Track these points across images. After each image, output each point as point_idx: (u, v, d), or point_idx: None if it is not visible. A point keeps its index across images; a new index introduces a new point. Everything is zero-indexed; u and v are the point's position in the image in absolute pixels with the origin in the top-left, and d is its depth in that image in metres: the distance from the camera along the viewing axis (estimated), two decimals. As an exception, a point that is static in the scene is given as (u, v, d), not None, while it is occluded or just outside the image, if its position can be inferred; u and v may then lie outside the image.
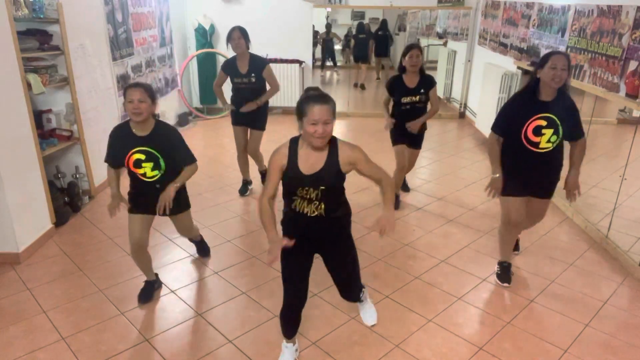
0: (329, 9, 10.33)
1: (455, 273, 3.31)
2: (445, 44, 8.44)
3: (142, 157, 2.61)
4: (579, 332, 2.72)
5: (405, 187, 4.71)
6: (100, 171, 4.62)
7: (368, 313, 2.76)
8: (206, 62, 7.39)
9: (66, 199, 4.06)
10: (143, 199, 2.76)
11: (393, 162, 4.12)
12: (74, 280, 3.18)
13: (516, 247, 3.47)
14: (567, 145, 2.92)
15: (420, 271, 3.32)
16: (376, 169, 2.16)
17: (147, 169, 2.65)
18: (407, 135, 4.05)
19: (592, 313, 2.89)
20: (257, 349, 2.56)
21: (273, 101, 4.78)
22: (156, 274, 3.09)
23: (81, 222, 4.03)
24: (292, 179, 2.11)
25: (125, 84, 5.20)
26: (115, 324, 2.75)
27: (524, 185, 2.94)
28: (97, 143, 4.54)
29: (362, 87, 10.06)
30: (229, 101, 4.33)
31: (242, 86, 4.18)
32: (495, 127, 2.93)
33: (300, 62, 7.42)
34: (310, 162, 2.09)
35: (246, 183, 4.62)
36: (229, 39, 4.05)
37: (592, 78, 3.90)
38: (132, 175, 2.71)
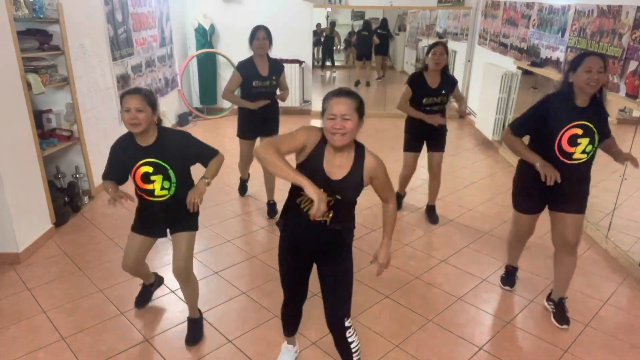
0: (329, 9, 10.33)
1: (455, 273, 3.31)
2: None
3: (150, 169, 2.32)
4: (579, 332, 2.72)
5: (434, 218, 4.10)
6: (100, 171, 4.60)
7: None
8: (206, 62, 7.39)
9: (66, 199, 4.06)
10: (151, 218, 2.48)
11: (393, 165, 4.03)
12: (74, 280, 3.18)
13: (564, 320, 2.78)
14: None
15: (420, 271, 3.32)
16: (390, 187, 2.01)
17: (157, 184, 2.34)
18: (425, 137, 3.86)
19: (592, 313, 2.89)
20: (257, 349, 2.56)
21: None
22: (155, 274, 3.00)
23: (81, 222, 4.03)
24: (312, 175, 1.80)
25: (125, 84, 5.20)
26: (115, 324, 2.75)
27: (543, 201, 2.69)
28: (97, 143, 4.54)
29: (367, 84, 10.11)
30: (239, 94, 3.95)
31: (262, 90, 3.86)
32: (518, 128, 2.61)
33: (300, 62, 7.43)
34: (335, 165, 1.89)
35: (244, 181, 4.54)
36: (253, 37, 3.75)
37: (592, 78, 3.90)
38: (140, 197, 2.44)
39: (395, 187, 2.96)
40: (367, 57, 10.07)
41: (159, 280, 3.05)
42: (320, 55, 11.33)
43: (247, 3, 7.26)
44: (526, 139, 2.66)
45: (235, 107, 4.06)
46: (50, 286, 3.11)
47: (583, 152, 2.49)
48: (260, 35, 3.75)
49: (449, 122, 7.44)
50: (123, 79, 5.18)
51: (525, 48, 5.40)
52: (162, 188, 2.36)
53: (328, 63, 11.50)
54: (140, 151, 2.33)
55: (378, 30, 9.94)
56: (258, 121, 3.92)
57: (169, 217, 2.46)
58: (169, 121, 6.70)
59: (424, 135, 3.86)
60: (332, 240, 2.00)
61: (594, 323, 2.80)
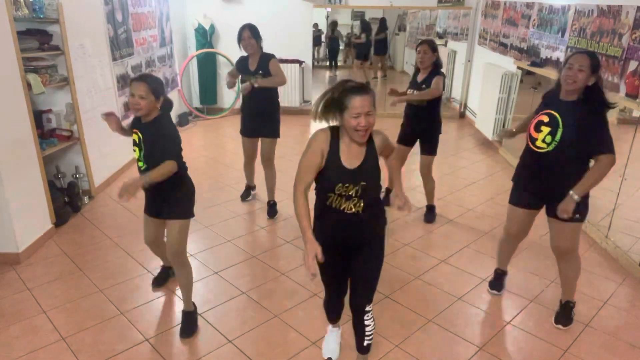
0: (329, 9, 10.33)
1: (455, 273, 3.31)
2: (445, 44, 8.44)
3: (136, 139, 2.57)
4: (579, 332, 2.72)
5: (431, 217, 4.12)
6: (100, 171, 4.62)
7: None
8: (206, 62, 7.38)
9: (66, 199, 4.06)
10: (146, 197, 2.70)
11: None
12: (74, 280, 3.18)
13: (568, 321, 2.80)
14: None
15: (420, 271, 3.32)
16: (393, 147, 2.16)
17: (137, 154, 2.59)
18: (417, 135, 3.93)
19: (592, 313, 2.89)
20: (257, 349, 2.56)
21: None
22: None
23: (81, 222, 4.03)
24: (332, 173, 1.96)
25: (125, 84, 5.20)
26: (115, 324, 2.75)
27: (528, 192, 2.67)
28: (97, 143, 4.54)
29: (368, 84, 10.13)
30: (239, 94, 4.06)
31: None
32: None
33: (300, 62, 7.43)
34: (352, 155, 1.97)
35: (249, 188, 4.47)
36: (240, 39, 3.82)
37: (592, 78, 3.90)
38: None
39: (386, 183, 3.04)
40: (365, 58, 10.09)
41: (173, 271, 3.02)
42: (321, 55, 11.33)
43: (247, 3, 7.26)
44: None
45: (236, 107, 4.15)
46: (50, 286, 3.11)
47: (543, 140, 2.47)
48: (245, 35, 3.80)
49: (449, 122, 7.50)
50: (123, 79, 5.18)
51: (525, 48, 5.39)
52: (139, 159, 2.60)
53: (329, 63, 11.52)
54: (138, 123, 2.59)
55: (379, 31, 9.97)
56: (256, 119, 3.97)
57: (156, 197, 2.62)
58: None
59: (414, 131, 3.93)
60: (370, 229, 2.09)
61: (594, 323, 2.80)
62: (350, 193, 1.96)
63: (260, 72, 3.88)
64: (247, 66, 3.91)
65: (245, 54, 3.93)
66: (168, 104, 2.60)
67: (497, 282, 3.09)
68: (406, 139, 3.98)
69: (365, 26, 10.01)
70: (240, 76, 4.02)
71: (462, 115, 7.77)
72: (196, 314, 2.78)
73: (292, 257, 3.49)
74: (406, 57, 10.77)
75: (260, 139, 4.05)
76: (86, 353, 2.52)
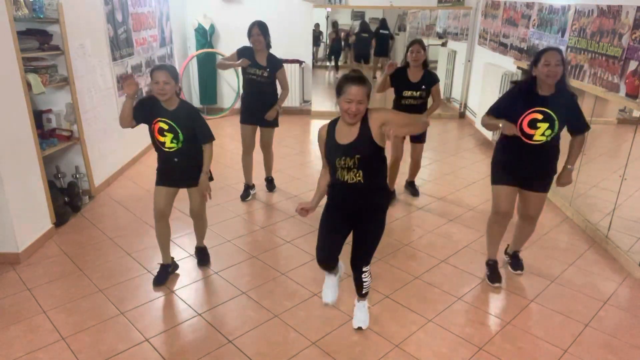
0: (329, 9, 10.33)
1: (455, 273, 3.31)
2: (444, 44, 8.44)
3: (165, 127, 2.88)
4: (579, 332, 2.72)
5: (415, 191, 4.63)
6: (100, 171, 4.62)
7: (360, 316, 2.73)
8: (206, 62, 7.38)
9: (66, 199, 4.06)
10: (167, 172, 3.03)
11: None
12: (74, 280, 3.18)
13: (518, 266, 3.33)
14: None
15: (420, 271, 3.32)
16: (407, 119, 2.54)
17: (168, 140, 2.90)
18: None
19: (592, 313, 2.89)
20: (257, 349, 2.56)
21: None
22: (172, 258, 3.26)
23: (81, 222, 4.03)
24: (331, 149, 2.37)
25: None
26: (115, 324, 2.75)
27: (515, 175, 2.95)
28: (97, 143, 4.55)
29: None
30: (237, 105, 4.32)
31: (256, 77, 4.15)
32: (492, 111, 2.97)
33: (300, 62, 7.43)
34: (347, 133, 2.33)
35: (248, 188, 4.51)
36: (249, 34, 4.05)
37: (592, 78, 3.90)
38: (156, 145, 2.99)
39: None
40: (365, 59, 10.00)
41: (174, 266, 3.28)
42: (321, 56, 11.31)
43: (247, 3, 7.26)
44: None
45: (236, 105, 4.29)
46: (50, 286, 3.11)
47: (542, 135, 2.79)
48: (255, 32, 4.04)
49: (449, 122, 7.50)
50: (123, 79, 5.18)
51: (525, 48, 5.39)
52: (172, 142, 2.92)
53: (331, 63, 11.49)
54: (163, 111, 2.89)
55: (380, 31, 9.88)
56: (257, 109, 4.21)
57: (182, 171, 3.01)
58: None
59: None
60: (369, 199, 2.41)
61: (594, 323, 2.80)
62: (349, 165, 2.32)
63: (269, 69, 4.16)
64: (255, 58, 4.12)
65: (249, 44, 4.15)
66: (179, 90, 2.97)
67: (496, 274, 3.19)
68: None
69: (364, 27, 9.95)
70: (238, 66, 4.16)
71: (462, 115, 7.77)
72: (207, 250, 3.43)
73: (292, 257, 3.49)
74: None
75: (260, 128, 4.34)
76: (86, 353, 2.52)
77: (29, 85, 3.46)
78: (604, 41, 3.78)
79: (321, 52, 12.00)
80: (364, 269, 2.55)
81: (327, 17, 11.17)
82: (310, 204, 2.48)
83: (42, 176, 3.62)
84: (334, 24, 10.82)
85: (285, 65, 4.39)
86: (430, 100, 4.20)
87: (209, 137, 3.00)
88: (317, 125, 2.34)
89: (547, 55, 2.68)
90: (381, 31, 9.85)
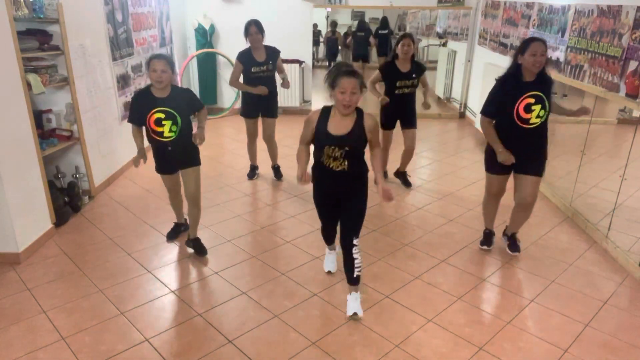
0: (329, 9, 10.33)
1: (455, 273, 3.31)
2: (445, 44, 8.43)
3: (162, 115, 3.04)
4: (579, 332, 2.72)
5: (407, 182, 4.84)
6: (100, 171, 4.62)
7: (352, 304, 2.80)
8: (206, 62, 7.39)
9: (66, 199, 4.06)
10: (164, 163, 3.30)
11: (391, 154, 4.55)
12: (74, 280, 3.18)
13: (516, 248, 3.53)
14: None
15: (420, 271, 3.32)
16: (378, 139, 2.68)
17: (166, 127, 3.06)
18: (398, 117, 4.47)
19: (592, 313, 2.89)
20: (257, 349, 2.56)
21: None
22: (186, 219, 3.66)
23: (81, 222, 4.03)
24: (321, 137, 2.55)
25: (125, 84, 5.22)
26: (115, 324, 2.75)
27: (511, 164, 3.16)
28: (97, 143, 4.55)
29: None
30: (237, 105, 4.57)
31: (260, 74, 4.44)
32: (486, 111, 3.19)
33: (300, 62, 7.42)
34: (340, 125, 2.53)
35: (254, 168, 4.97)
36: (247, 33, 4.31)
37: (592, 78, 3.90)
38: (151, 139, 3.17)
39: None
40: (364, 59, 9.97)
41: (186, 226, 3.70)
42: (321, 56, 11.30)
43: (247, 3, 7.26)
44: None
45: (237, 105, 4.58)
46: (50, 286, 3.11)
47: (537, 116, 3.04)
48: (253, 31, 4.31)
49: (449, 122, 7.50)
50: (123, 79, 5.18)
51: (525, 48, 5.39)
52: (170, 131, 3.08)
53: (331, 63, 11.48)
54: (156, 101, 3.04)
55: (379, 31, 9.86)
56: (258, 102, 4.55)
57: (177, 157, 3.23)
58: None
59: (396, 115, 4.50)
60: (352, 184, 2.67)
61: (594, 323, 2.80)
62: (336, 155, 2.55)
63: (270, 62, 4.45)
64: (254, 58, 4.40)
65: (244, 48, 4.41)
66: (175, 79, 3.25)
67: (488, 239, 3.60)
68: (389, 123, 4.53)
69: (362, 27, 9.91)
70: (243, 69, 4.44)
71: (462, 115, 7.77)
72: (200, 239, 3.54)
73: (292, 257, 3.49)
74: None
75: (262, 120, 4.69)
76: (86, 353, 2.52)
77: (29, 85, 3.46)
78: (604, 41, 3.78)
79: (321, 52, 12.00)
80: (354, 242, 2.70)
81: (327, 17, 11.16)
82: (302, 172, 2.62)
83: (42, 176, 3.62)
84: (332, 24, 10.81)
85: (285, 65, 4.53)
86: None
87: (200, 103, 3.38)
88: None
89: (534, 46, 2.93)
90: (380, 31, 9.84)
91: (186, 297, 3.02)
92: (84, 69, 4.33)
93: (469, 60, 7.50)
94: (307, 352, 2.54)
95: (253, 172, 4.98)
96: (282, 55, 4.61)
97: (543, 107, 3.02)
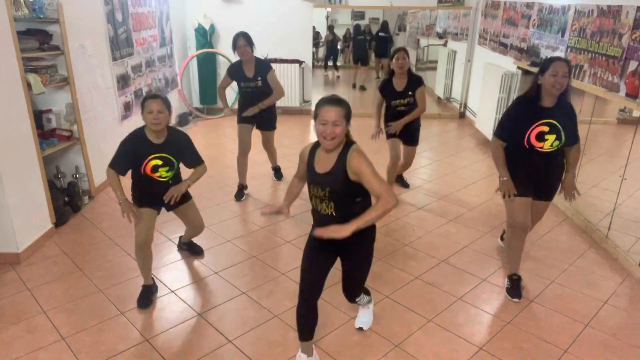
0: (329, 9, 10.32)
1: (455, 273, 3.31)
2: (445, 44, 8.44)
3: (159, 162, 2.82)
4: (579, 332, 2.72)
5: (404, 184, 4.82)
6: (100, 171, 4.62)
7: (362, 318, 2.73)
8: (206, 62, 7.39)
9: (66, 199, 4.06)
10: (150, 196, 2.91)
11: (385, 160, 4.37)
12: (74, 280, 3.18)
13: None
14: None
15: (420, 271, 3.32)
16: (378, 186, 2.02)
17: (163, 172, 2.86)
18: (401, 133, 4.25)
19: (592, 313, 2.89)
20: (257, 349, 2.56)
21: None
22: (152, 278, 3.03)
23: (81, 222, 4.03)
24: (308, 173, 2.22)
25: (125, 84, 5.21)
26: (115, 324, 2.75)
27: (526, 186, 2.92)
28: (97, 143, 4.54)
29: (362, 88, 10.07)
30: (235, 105, 4.42)
31: (249, 90, 4.27)
32: (500, 134, 2.94)
33: (300, 62, 7.42)
34: (323, 162, 2.15)
35: (242, 188, 4.52)
36: (235, 46, 4.11)
37: (592, 78, 3.90)
38: (143, 177, 2.85)
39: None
40: (363, 61, 10.03)
41: (156, 287, 3.07)
42: (322, 56, 11.29)
43: (247, 3, 7.26)
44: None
45: (236, 105, 4.48)
46: (50, 286, 3.11)
47: (551, 146, 2.81)
48: (241, 44, 4.09)
49: (449, 122, 7.50)
50: (123, 79, 5.18)
51: (525, 48, 5.39)
52: (167, 172, 2.87)
53: (330, 63, 11.48)
54: (153, 147, 2.79)
55: (380, 34, 9.91)
56: (257, 114, 4.33)
57: (168, 188, 2.91)
58: (170, 121, 6.69)
59: (400, 132, 4.28)
60: (348, 237, 2.00)
61: (594, 323, 2.80)
62: (320, 195, 2.15)
63: (259, 78, 4.22)
64: (244, 73, 4.22)
65: (236, 59, 4.26)
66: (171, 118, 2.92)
67: (517, 289, 3.04)
68: (394, 134, 4.30)
69: (358, 29, 9.99)
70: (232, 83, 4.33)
71: (462, 115, 7.77)
72: (193, 241, 3.49)
73: (292, 257, 3.49)
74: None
75: (260, 132, 4.52)
76: (86, 353, 2.52)
77: (29, 85, 3.46)
78: (604, 41, 3.78)
79: (320, 52, 11.99)
80: (357, 300, 2.58)
81: (327, 17, 11.16)
82: (275, 207, 2.39)
83: (42, 176, 3.62)
84: (330, 27, 10.82)
85: (285, 65, 4.45)
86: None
87: (200, 161, 3.01)
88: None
89: (555, 66, 2.66)
90: (380, 34, 9.90)
91: (186, 297, 3.02)
92: (84, 69, 4.33)
93: (469, 60, 7.51)
94: (307, 352, 2.54)
95: (241, 193, 4.48)
96: (282, 56, 4.58)
97: (558, 138, 2.77)
